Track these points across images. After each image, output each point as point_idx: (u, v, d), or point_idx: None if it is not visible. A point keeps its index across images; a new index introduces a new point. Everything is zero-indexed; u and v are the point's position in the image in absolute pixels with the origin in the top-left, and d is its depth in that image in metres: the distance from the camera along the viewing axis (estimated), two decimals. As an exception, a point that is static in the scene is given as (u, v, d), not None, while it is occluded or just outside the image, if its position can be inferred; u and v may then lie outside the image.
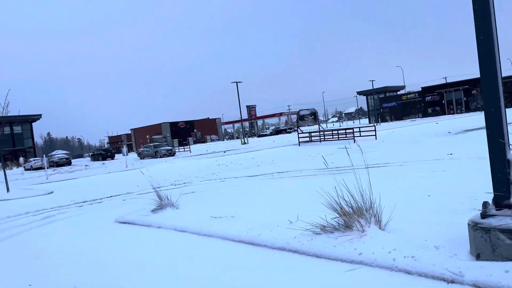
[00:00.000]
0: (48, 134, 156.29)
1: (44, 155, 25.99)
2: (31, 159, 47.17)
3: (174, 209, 6.80)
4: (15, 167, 55.26)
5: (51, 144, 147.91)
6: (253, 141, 51.28)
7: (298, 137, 27.80)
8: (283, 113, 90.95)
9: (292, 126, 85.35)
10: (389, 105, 76.25)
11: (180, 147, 50.39)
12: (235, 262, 3.95)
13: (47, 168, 25.52)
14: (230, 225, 5.09)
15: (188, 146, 48.24)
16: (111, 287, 3.84)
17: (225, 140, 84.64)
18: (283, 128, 76.56)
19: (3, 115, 15.59)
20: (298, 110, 30.49)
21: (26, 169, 42.95)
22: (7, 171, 45.00)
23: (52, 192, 14.40)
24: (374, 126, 26.78)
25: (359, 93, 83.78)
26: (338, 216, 3.95)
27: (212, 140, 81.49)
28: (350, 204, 3.90)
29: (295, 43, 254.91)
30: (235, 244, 4.51)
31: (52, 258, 5.24)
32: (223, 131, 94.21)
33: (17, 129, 69.06)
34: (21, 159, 36.08)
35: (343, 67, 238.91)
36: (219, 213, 5.96)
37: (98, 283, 4.01)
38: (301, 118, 29.17)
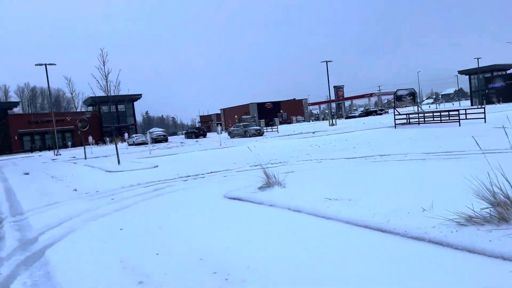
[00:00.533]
0: (147, 112, 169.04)
1: (148, 132, 27.92)
2: (134, 135, 51.37)
3: (281, 188, 6.69)
4: (119, 142, 60.87)
5: (148, 122, 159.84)
6: (341, 122, 49.86)
7: (395, 119, 26.22)
8: (373, 93, 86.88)
9: (383, 108, 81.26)
10: (496, 85, 68.60)
11: (267, 127, 50.98)
12: (365, 250, 3.67)
13: (150, 143, 27.39)
14: (349, 208, 4.80)
15: (276, 126, 48.57)
16: (234, 262, 3.81)
17: (310, 121, 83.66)
18: (373, 109, 73.19)
19: (116, 93, 16.91)
20: (395, 90, 28.72)
21: (129, 145, 46.93)
22: (113, 146, 49.67)
23: (157, 166, 15.37)
24: (484, 108, 24.18)
25: (461, 72, 76.57)
26: (489, 206, 3.43)
27: (298, 121, 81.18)
28: (506, 193, 3.35)
29: (384, 19, 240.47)
30: (359, 229, 4.22)
31: (172, 228, 5.45)
32: (308, 112, 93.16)
33: (121, 107, 75.48)
34: (126, 135, 39.46)
35: (440, 45, 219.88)
36: (331, 195, 5.70)
37: (224, 257, 4.02)
38: (398, 99, 27.44)
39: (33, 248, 5.30)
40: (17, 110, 77.75)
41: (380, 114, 66.23)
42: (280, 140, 25.23)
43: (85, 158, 25.32)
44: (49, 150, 61.65)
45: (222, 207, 6.34)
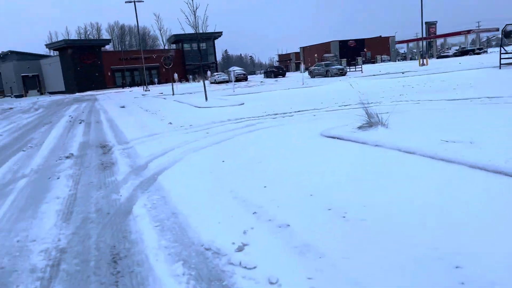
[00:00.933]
0: (226, 51, 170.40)
1: (232, 71, 28.10)
2: (215, 73, 52.21)
3: (385, 128, 6.28)
4: (201, 80, 62.69)
5: (227, 60, 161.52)
6: (432, 62, 45.73)
7: (500, 58, 23.26)
8: (471, 30, 77.77)
9: (482, 47, 72.81)
10: None
11: (349, 67, 48.64)
12: (502, 197, 3.28)
13: (234, 82, 27.65)
14: (473, 151, 4.32)
15: (360, 66, 46.16)
16: (348, 200, 3.66)
17: (397, 61, 78.12)
18: (470, 48, 65.87)
19: (203, 30, 16.95)
20: (501, 25, 25.16)
21: (210, 83, 48.07)
22: (196, 84, 51.22)
23: (243, 103, 15.50)
24: None
25: None
26: None
27: (382, 61, 76.26)
28: None
29: None
30: (489, 174, 3.79)
31: (273, 164, 5.42)
32: (394, 51, 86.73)
33: (203, 45, 76.67)
34: (209, 72, 40.35)
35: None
36: (445, 137, 5.19)
37: (335, 195, 3.89)
38: (507, 35, 24.07)
39: (144, 174, 5.65)
40: (108, 47, 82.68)
41: (478, 53, 59.47)
42: (367, 80, 23.92)
43: (173, 94, 26.46)
44: (137, 86, 65.61)
45: (322, 145, 6.17)
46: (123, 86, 66.27)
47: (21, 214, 4.31)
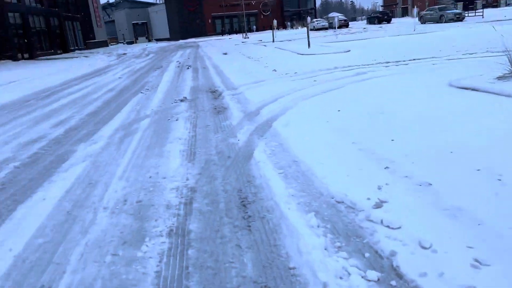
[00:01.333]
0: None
1: (336, 17, 26.60)
2: (314, 20, 50.18)
3: (534, 80, 5.31)
4: (299, 27, 60.93)
5: (326, 6, 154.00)
6: None
7: None
8: None
9: None
10: None
11: (467, 12, 42.89)
12: None
13: (336, 28, 26.28)
14: None
15: (480, 10, 40.50)
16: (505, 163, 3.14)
17: (527, 4, 66.87)
18: None
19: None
20: None
21: (309, 29, 46.38)
22: (294, 31, 49.88)
23: (349, 50, 14.61)
24: None
25: None
26: None
27: (507, 4, 65.93)
28: None
29: None
30: None
31: (398, 116, 4.95)
32: (526, -8, 74.03)
33: (302, -10, 73.76)
34: (308, 19, 38.79)
35: None
36: None
37: (488, 156, 3.38)
38: None
39: (257, 120, 5.59)
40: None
41: None
42: (493, 26, 20.84)
43: (273, 41, 26.09)
44: (236, 34, 66.23)
45: (455, 97, 5.46)
46: (222, 33, 67.45)
47: (149, 152, 4.56)
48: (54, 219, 3.01)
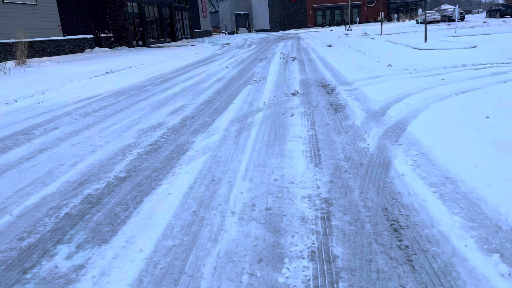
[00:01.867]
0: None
1: (455, 8, 24.13)
2: (420, 12, 46.28)
3: None
4: (407, 20, 57.01)
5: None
6: None
7: None
8: None
9: None
10: None
11: None
12: None
13: (457, 21, 23.82)
14: None
15: None
16: None
17: None
18: None
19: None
20: None
21: (417, 23, 43.05)
22: (400, 23, 46.66)
23: (476, 46, 12.94)
24: None
25: None
26: None
27: None
28: None
29: None
30: None
31: None
32: None
33: (412, -20, 68.93)
34: (420, 11, 35.98)
35: None
36: None
37: None
38: None
39: (385, 121, 4.97)
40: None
41: None
42: None
43: (381, 34, 24.55)
44: (337, 26, 64.40)
45: None
46: (322, 25, 66.08)
47: (269, 149, 4.25)
48: (181, 218, 2.82)
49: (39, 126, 6.05)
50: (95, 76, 12.11)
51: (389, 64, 10.43)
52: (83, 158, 4.37)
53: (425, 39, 15.31)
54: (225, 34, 71.16)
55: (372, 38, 22.11)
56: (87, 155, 4.48)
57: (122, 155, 4.43)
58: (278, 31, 60.45)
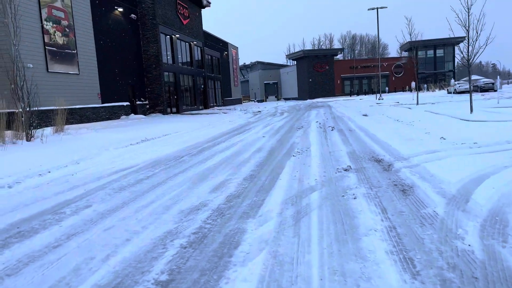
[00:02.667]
0: (462, 58, 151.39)
1: (498, 77, 23.59)
2: (456, 82, 46.16)
3: None
4: (436, 89, 56.90)
5: (463, 69, 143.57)
6: None
7: None
8: None
9: None
10: None
11: None
12: None
13: (499, 89, 23.12)
14: None
15: None
16: None
17: None
18: None
19: (478, 30, 14.16)
20: None
21: (448, 92, 42.64)
22: (429, 93, 46.37)
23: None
24: None
25: None
26: None
27: None
28: None
29: None
30: None
31: None
32: None
33: (440, 52, 70.10)
34: (452, 81, 35.80)
35: None
36: None
37: None
38: None
39: (475, 211, 4.12)
40: (338, 56, 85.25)
41: None
42: None
43: (417, 103, 24.05)
44: (364, 95, 64.98)
45: None
46: (350, 94, 66.88)
47: (341, 247, 3.45)
48: None
49: (71, 203, 5.50)
50: (131, 144, 11.86)
51: (442, 137, 9.67)
52: (117, 249, 3.69)
53: (471, 110, 14.59)
54: (254, 102, 72.90)
55: (409, 108, 21.58)
56: (121, 245, 3.80)
57: (162, 246, 3.73)
58: (306, 99, 61.32)
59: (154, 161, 8.94)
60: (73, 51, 20.92)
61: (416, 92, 26.03)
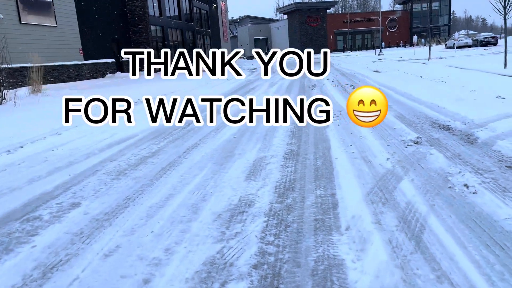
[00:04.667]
0: (452, 12, 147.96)
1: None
2: (457, 35, 44.18)
3: None
4: (433, 44, 54.94)
5: (454, 23, 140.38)
6: None
7: None
8: None
9: None
10: None
11: None
12: None
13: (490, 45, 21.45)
14: None
15: None
16: None
17: None
18: None
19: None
20: None
21: (447, 47, 40.93)
22: (426, 48, 44.46)
23: None
24: None
25: None
26: None
27: None
28: None
29: None
30: None
31: None
32: None
33: (435, 5, 67.54)
34: (456, 34, 34.00)
35: None
36: None
37: None
38: None
39: None
40: (330, 11, 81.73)
41: None
42: None
43: (429, 58, 22.34)
44: (358, 50, 62.73)
45: None
46: (344, 50, 64.51)
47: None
48: None
49: (50, 199, 3.81)
50: (122, 107, 9.99)
51: (499, 96, 8.11)
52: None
53: (505, 64, 12.98)
54: (244, 59, 69.88)
55: (424, 63, 19.86)
56: (139, 297, 2.18)
57: (211, 299, 2.12)
58: (299, 56, 58.78)
59: (155, 129, 7.22)
60: (49, 0, 18.33)
61: (429, 46, 24.22)
